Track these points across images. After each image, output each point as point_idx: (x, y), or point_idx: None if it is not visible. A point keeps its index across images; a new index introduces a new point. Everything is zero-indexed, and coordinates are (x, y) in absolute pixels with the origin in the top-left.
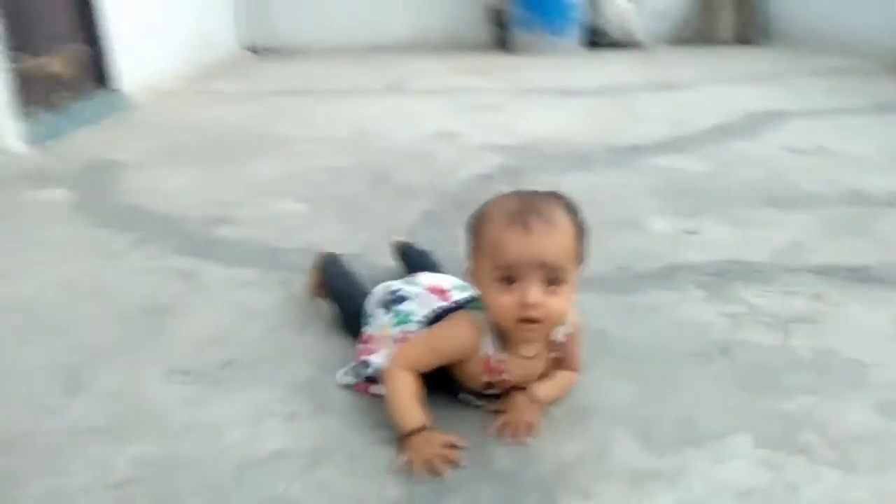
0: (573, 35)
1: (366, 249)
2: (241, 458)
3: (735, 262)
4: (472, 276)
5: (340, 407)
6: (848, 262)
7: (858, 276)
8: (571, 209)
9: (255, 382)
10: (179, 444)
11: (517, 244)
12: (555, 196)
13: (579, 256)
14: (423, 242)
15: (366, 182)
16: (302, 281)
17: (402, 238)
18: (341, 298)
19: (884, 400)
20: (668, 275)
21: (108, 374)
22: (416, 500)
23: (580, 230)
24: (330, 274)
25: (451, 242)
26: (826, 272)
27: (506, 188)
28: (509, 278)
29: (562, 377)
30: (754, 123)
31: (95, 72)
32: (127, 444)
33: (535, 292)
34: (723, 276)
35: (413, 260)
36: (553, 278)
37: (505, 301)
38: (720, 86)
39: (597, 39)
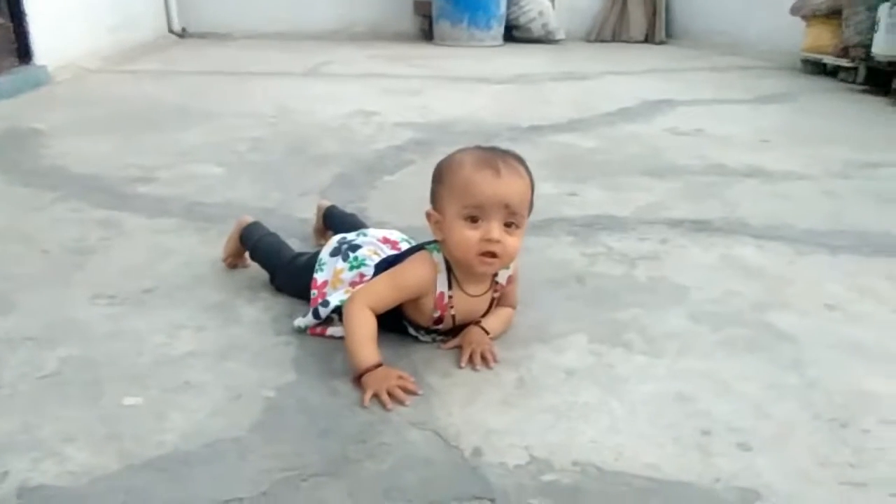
0: (494, 29)
1: (279, 205)
2: (157, 356)
3: (603, 216)
4: (435, 218)
5: (246, 321)
6: (696, 216)
7: (701, 227)
8: (526, 165)
9: (173, 304)
10: (103, 347)
11: (488, 185)
12: (513, 153)
13: (530, 206)
14: (334, 200)
15: (283, 151)
16: (216, 230)
17: (327, 202)
18: (270, 255)
19: (695, 311)
20: (546, 225)
21: (37, 298)
22: (311, 382)
23: (533, 184)
24: (254, 237)
25: (360, 199)
26: (676, 224)
27: (416, 158)
28: (475, 217)
29: (504, 313)
30: (647, 110)
31: (18, 47)
32: (55, 348)
33: (497, 229)
34: (590, 227)
35: (338, 221)
36: (510, 222)
37: (470, 235)
38: (624, 77)
39: (517, 34)
